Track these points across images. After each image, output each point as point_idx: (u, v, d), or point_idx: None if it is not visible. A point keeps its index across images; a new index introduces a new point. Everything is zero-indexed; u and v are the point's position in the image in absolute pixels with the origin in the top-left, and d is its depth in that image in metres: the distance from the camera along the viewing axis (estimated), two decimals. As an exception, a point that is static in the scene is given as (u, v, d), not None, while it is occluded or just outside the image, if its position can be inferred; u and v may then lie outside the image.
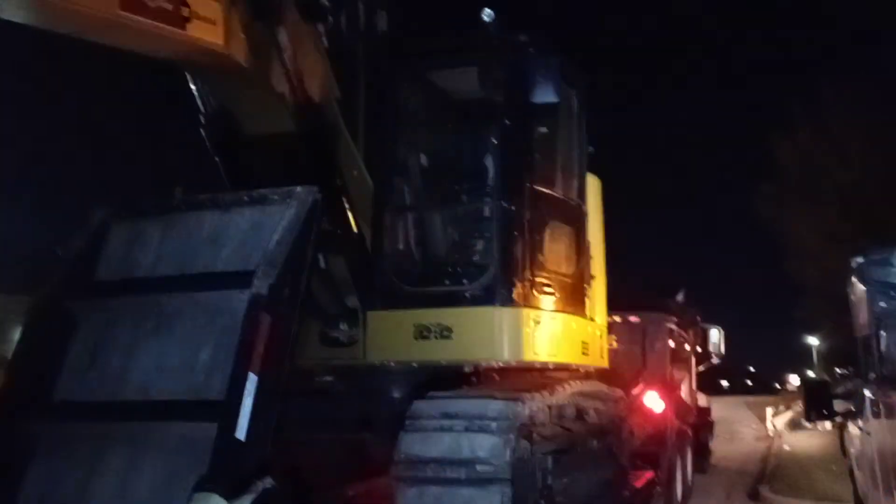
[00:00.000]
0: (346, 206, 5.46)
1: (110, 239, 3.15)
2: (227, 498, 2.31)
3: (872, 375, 6.49)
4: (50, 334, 2.89)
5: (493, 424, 4.59)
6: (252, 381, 2.54)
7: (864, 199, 25.12)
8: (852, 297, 7.15)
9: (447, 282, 5.71)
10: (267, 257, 2.74)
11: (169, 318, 2.83)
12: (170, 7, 3.66)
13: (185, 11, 3.80)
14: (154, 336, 2.82)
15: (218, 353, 2.68)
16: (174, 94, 5.50)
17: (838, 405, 8.19)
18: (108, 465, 2.67)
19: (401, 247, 5.97)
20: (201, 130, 5.40)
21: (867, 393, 6.69)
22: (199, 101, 5.29)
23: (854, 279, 6.77)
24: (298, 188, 3.26)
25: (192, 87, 5.25)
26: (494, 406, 4.73)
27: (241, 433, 2.48)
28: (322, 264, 5.72)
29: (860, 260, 6.45)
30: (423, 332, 5.49)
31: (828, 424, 18.07)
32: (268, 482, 2.37)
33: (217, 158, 5.44)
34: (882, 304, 6.17)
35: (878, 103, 24.10)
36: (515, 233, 5.72)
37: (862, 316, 6.69)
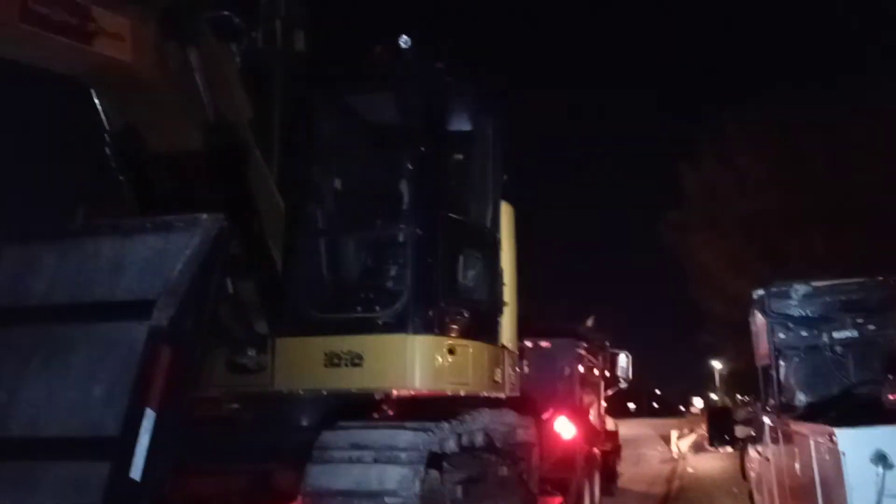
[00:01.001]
0: (257, 229, 5.33)
1: (1, 259, 2.98)
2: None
3: (771, 403, 6.70)
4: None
5: (403, 455, 4.53)
6: (149, 417, 2.42)
7: (764, 229, 26.14)
8: (753, 328, 7.39)
9: (359, 308, 5.63)
10: (168, 287, 2.62)
11: (62, 350, 2.68)
12: (74, 21, 3.52)
13: (90, 26, 3.66)
14: (45, 368, 2.66)
15: (114, 387, 2.55)
16: (77, 108, 5.30)
17: (739, 431, 8.43)
18: (-10, 507, 2.50)
19: (312, 272, 5.86)
20: (106, 148, 5.21)
21: (766, 420, 6.91)
22: (104, 117, 5.10)
23: (755, 310, 7.00)
24: (204, 216, 3.16)
25: (97, 101, 5.07)
26: (404, 436, 4.68)
27: (136, 473, 2.36)
28: (230, 289, 5.58)
29: (761, 292, 6.66)
30: (333, 360, 5.39)
31: (730, 448, 18.65)
32: (166, 525, 2.25)
33: (122, 177, 5.25)
34: (781, 335, 6.38)
35: (778, 134, 25.20)
36: (428, 260, 5.69)
37: (762, 346, 6.91)
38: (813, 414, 5.29)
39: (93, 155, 5.43)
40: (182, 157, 4.81)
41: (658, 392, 63.16)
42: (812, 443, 4.55)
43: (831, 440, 3.90)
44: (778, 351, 6.41)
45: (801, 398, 6.11)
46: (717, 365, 46.75)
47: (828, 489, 4.29)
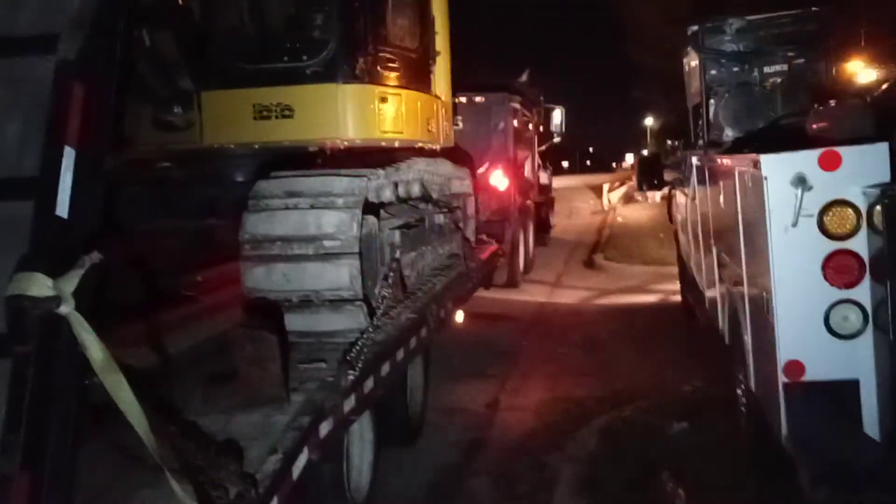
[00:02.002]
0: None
1: None
2: (51, 275, 2.18)
3: (700, 142, 6.86)
4: None
5: (340, 200, 4.56)
6: (69, 155, 2.33)
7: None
8: (686, 68, 7.39)
9: (286, 58, 5.40)
10: (74, 18, 2.43)
11: (-35, 90, 2.52)
12: None
13: None
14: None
15: (27, 126, 2.42)
16: None
17: (668, 175, 8.69)
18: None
19: (235, 21, 5.56)
20: None
21: (694, 160, 7.10)
22: None
23: (689, 48, 6.97)
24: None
25: None
26: (339, 182, 4.68)
27: (62, 210, 2.30)
28: (147, 42, 5.31)
29: (695, 28, 6.59)
30: (262, 112, 5.26)
31: (657, 197, 19.37)
32: (94, 256, 2.24)
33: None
34: (713, 71, 6.41)
35: None
36: (356, 5, 5.43)
37: (694, 85, 6.95)
38: (739, 147, 5.43)
39: None
40: None
41: (591, 150, 64.36)
42: (736, 173, 4.71)
43: (755, 167, 4.03)
44: (709, 88, 6.45)
45: (728, 134, 6.25)
46: (649, 121, 47.50)
47: (749, 216, 4.49)
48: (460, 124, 8.54)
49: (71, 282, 2.19)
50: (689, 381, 7.06)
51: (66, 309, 2.20)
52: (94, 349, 2.27)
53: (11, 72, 2.50)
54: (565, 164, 54.08)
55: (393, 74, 5.83)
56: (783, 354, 3.92)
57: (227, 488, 2.93)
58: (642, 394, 6.94)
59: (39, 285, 2.15)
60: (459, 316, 7.42)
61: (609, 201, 30.10)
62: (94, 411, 3.22)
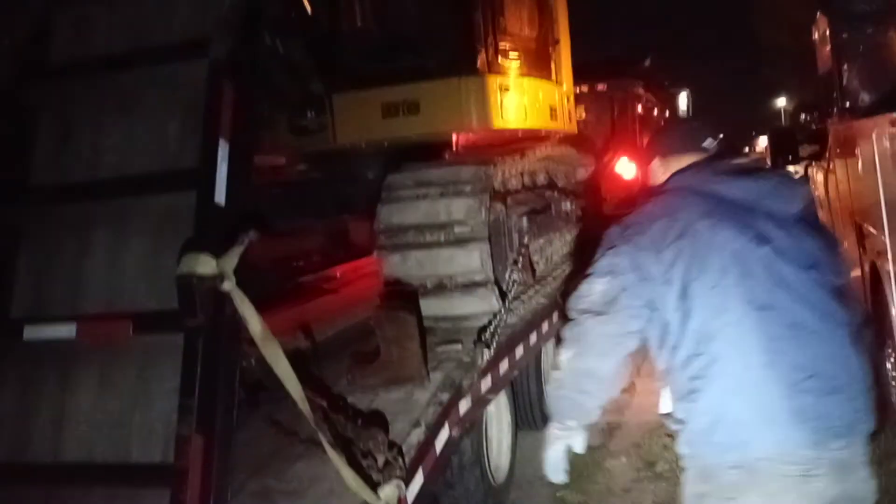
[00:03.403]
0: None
1: (56, 25, 3.05)
2: (215, 255, 2.40)
3: (834, 110, 6.60)
4: (11, 123, 2.88)
5: (468, 188, 4.70)
6: (223, 146, 2.56)
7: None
8: (816, 34, 7.11)
9: (410, 56, 5.61)
10: (221, 23, 2.67)
11: (131, 96, 2.79)
12: None
13: None
14: (119, 115, 2.79)
15: (185, 123, 2.68)
16: None
17: (803, 150, 8.35)
18: (97, 243, 2.74)
19: (359, 24, 5.82)
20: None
21: (830, 130, 6.83)
22: None
23: (818, 14, 6.71)
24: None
25: None
26: (467, 171, 4.82)
27: (219, 197, 2.53)
28: (280, 50, 5.61)
29: (824, -8, 6.35)
30: (390, 110, 5.47)
31: (793, 168, 18.58)
32: (252, 234, 2.46)
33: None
34: (844, 35, 6.15)
35: None
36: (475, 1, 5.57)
37: (825, 51, 6.69)
38: (877, 110, 5.21)
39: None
40: None
41: (721, 134, 62.15)
42: (874, 136, 4.54)
43: (893, 125, 3.88)
44: (841, 53, 6.20)
45: (864, 99, 5.98)
46: (781, 102, 45.47)
47: (889, 177, 4.33)
48: (583, 114, 8.54)
49: (232, 260, 2.42)
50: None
51: (229, 285, 2.42)
52: (254, 322, 2.49)
53: (170, 75, 2.77)
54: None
55: (513, 64, 5.93)
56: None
57: (376, 457, 3.10)
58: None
59: (205, 264, 2.38)
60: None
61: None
62: (251, 391, 3.50)
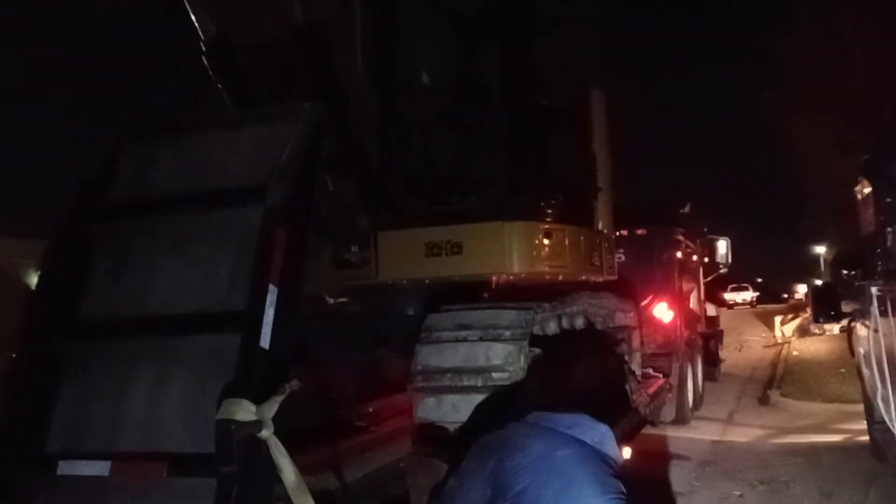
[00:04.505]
0: (350, 124, 5.45)
1: (122, 163, 3.19)
2: (255, 402, 2.40)
3: (879, 271, 6.55)
4: (70, 258, 2.96)
5: (507, 333, 4.69)
6: (272, 291, 2.60)
7: (870, 104, 24.81)
8: (859, 196, 7.16)
9: (455, 198, 5.73)
10: (279, 171, 2.77)
11: (186, 237, 2.88)
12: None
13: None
14: (173, 255, 2.88)
15: (236, 267, 2.74)
16: (173, 27, 5.46)
17: (845, 306, 8.27)
18: (138, 380, 2.76)
19: (408, 165, 5.98)
20: (203, 58, 5.39)
21: (874, 290, 6.76)
22: (199, 30, 5.26)
23: (861, 177, 6.78)
24: (306, 103, 3.28)
25: (192, 17, 5.22)
26: (507, 315, 4.83)
27: (265, 342, 2.55)
28: (330, 187, 5.77)
29: (867, 156, 6.43)
30: (433, 250, 5.54)
31: (836, 329, 18.32)
32: (294, 384, 2.46)
33: (220, 85, 5.43)
34: (888, 199, 6.18)
35: (884, 3, 23.58)
36: (521, 146, 5.73)
37: (868, 213, 6.71)
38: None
39: (191, 65, 5.62)
40: (273, 57, 4.92)
41: (759, 280, 61.97)
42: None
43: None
44: (885, 215, 6.22)
45: (910, 263, 5.95)
46: (820, 250, 45.39)
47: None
48: (622, 257, 8.57)
49: (272, 408, 2.41)
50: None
51: (267, 433, 2.41)
52: (289, 472, 2.45)
53: (225, 220, 2.85)
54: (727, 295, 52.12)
55: (557, 210, 6.02)
56: None
57: None
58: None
59: (245, 411, 2.38)
60: (627, 452, 7.21)
61: (782, 334, 28.64)
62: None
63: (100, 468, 2.58)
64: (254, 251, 2.69)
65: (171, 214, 2.95)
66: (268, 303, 2.58)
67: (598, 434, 3.15)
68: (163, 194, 2.99)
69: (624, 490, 2.96)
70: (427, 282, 5.73)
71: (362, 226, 5.88)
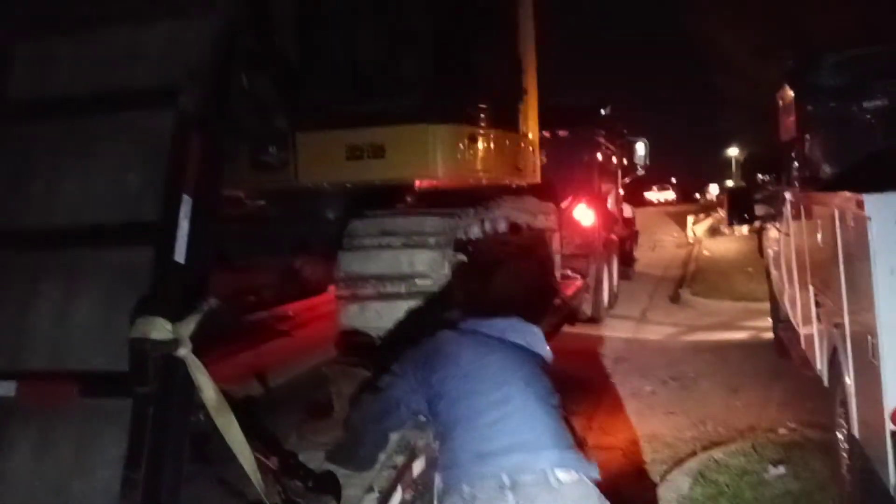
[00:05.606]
0: (270, 19, 5.17)
1: (17, 58, 2.91)
2: (171, 320, 2.28)
3: (795, 178, 6.70)
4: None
5: (431, 240, 4.63)
6: (186, 202, 2.44)
7: (791, 12, 25.02)
8: (780, 103, 7.25)
9: (378, 100, 5.54)
10: (192, 73, 2.56)
11: (91, 141, 2.66)
12: None
13: None
14: (78, 159, 2.66)
15: (147, 175, 2.55)
16: None
17: (759, 209, 8.49)
18: (44, 294, 2.59)
19: (329, 64, 5.73)
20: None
21: (788, 196, 6.93)
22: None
23: (784, 84, 6.84)
24: (220, -2, 3.03)
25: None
26: (431, 222, 4.76)
27: (180, 256, 2.41)
28: (245, 84, 5.50)
29: (791, 63, 6.48)
30: (355, 152, 5.38)
31: (745, 230, 18.95)
32: (212, 302, 2.34)
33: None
34: (809, 107, 6.27)
35: None
36: (445, 47, 5.54)
37: (789, 121, 6.81)
38: (838, 184, 5.29)
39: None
40: None
41: (674, 181, 63.36)
42: (836, 212, 4.59)
43: (858, 206, 3.92)
44: (805, 123, 6.32)
45: (826, 170, 6.09)
46: (733, 152, 46.56)
47: (850, 257, 4.37)
48: (544, 159, 8.55)
49: (189, 326, 2.29)
50: (785, 423, 6.84)
51: (184, 351, 2.30)
52: (208, 390, 2.36)
53: (133, 123, 2.65)
54: (649, 195, 53.43)
55: (482, 114, 5.90)
56: (891, 402, 3.78)
57: (327, 525, 2.98)
58: (735, 435, 6.75)
59: (160, 329, 2.26)
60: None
61: (694, 234, 29.54)
62: (199, 444, 3.34)
63: (4, 388, 2.44)
64: (166, 158, 2.51)
65: (74, 116, 2.72)
66: (182, 214, 2.43)
67: (531, 335, 3.20)
68: (64, 94, 2.75)
69: (554, 387, 3.03)
70: (348, 185, 5.59)
71: (280, 126, 5.65)
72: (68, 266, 2.55)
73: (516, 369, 3.02)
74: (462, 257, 5.02)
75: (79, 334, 2.49)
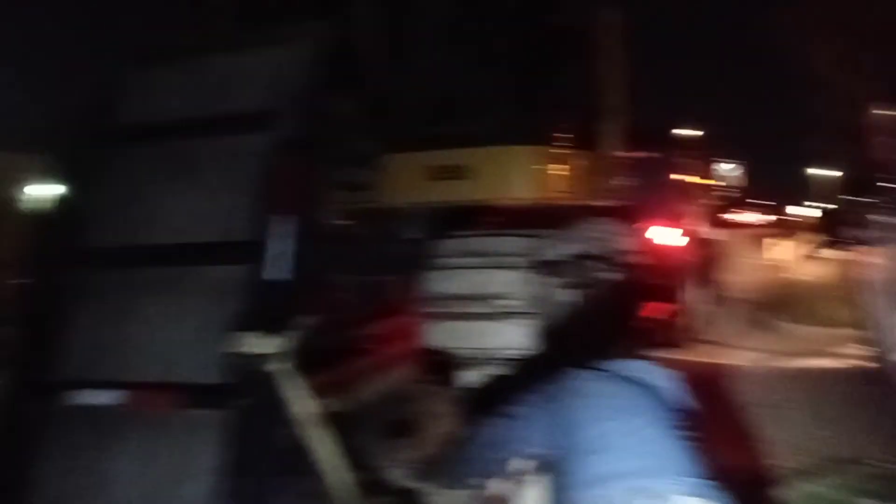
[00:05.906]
0: (357, 43, 5.31)
1: (127, 86, 3.09)
2: (263, 335, 2.37)
3: (887, 201, 6.49)
4: (75, 182, 2.90)
5: (514, 260, 4.65)
6: (283, 222, 2.55)
7: (886, 30, 24.22)
8: (875, 127, 7.05)
9: (462, 121, 5.62)
10: (288, 98, 2.68)
11: (192, 163, 2.81)
12: None
13: None
14: (179, 181, 2.81)
15: (245, 195, 2.68)
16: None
17: (854, 232, 8.24)
18: (144, 310, 2.73)
19: (415, 87, 5.85)
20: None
21: (879, 218, 6.72)
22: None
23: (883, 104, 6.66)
24: (313, 23, 3.16)
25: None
26: (514, 242, 4.79)
27: (276, 273, 2.51)
28: (335, 108, 5.65)
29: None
30: (439, 173, 5.47)
31: (836, 253, 18.37)
32: (308, 320, 2.43)
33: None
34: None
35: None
36: (528, 68, 5.59)
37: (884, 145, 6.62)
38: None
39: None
40: None
41: (760, 202, 61.75)
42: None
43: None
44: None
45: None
46: (826, 173, 45.14)
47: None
48: (628, 179, 8.49)
49: (281, 341, 2.38)
50: (875, 455, 6.56)
51: (276, 366, 2.39)
52: (300, 404, 2.44)
53: (231, 146, 2.78)
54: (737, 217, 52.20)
55: (564, 135, 5.92)
56: None
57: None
58: (822, 465, 6.50)
59: (252, 344, 2.35)
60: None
61: (781, 256, 28.69)
62: (289, 459, 3.44)
63: (111, 398, 2.58)
64: (264, 180, 2.62)
65: (176, 140, 2.87)
66: (278, 234, 2.53)
67: (659, 376, 3.10)
68: (170, 119, 2.91)
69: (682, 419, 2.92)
70: (433, 206, 5.66)
71: (368, 148, 5.79)
72: (171, 283, 2.68)
73: (646, 407, 2.94)
74: (544, 278, 5.02)
75: (180, 347, 2.61)
